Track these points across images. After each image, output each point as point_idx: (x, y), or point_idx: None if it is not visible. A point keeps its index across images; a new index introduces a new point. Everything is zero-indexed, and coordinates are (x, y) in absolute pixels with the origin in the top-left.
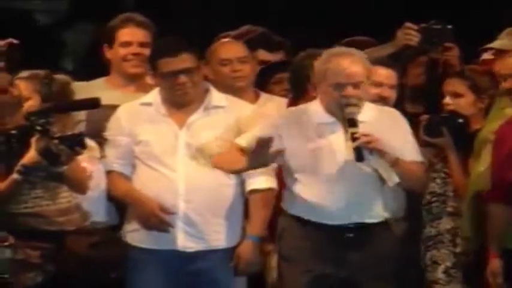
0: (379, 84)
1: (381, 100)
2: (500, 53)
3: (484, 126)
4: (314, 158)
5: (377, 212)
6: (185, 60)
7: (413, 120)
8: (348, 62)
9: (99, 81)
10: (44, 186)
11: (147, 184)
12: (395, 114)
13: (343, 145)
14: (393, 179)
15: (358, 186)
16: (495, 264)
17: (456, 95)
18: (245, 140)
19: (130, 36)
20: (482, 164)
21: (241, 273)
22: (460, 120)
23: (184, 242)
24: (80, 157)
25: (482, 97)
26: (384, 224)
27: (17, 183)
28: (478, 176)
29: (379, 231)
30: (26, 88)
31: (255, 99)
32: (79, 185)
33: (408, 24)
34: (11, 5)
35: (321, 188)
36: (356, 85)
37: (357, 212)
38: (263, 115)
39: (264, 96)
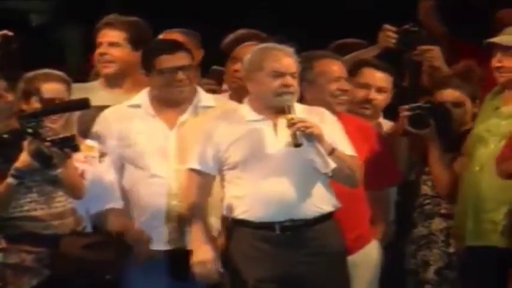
0: (365, 86)
1: (366, 102)
2: (502, 48)
3: (477, 125)
4: (245, 155)
5: (304, 210)
6: (182, 58)
7: None
8: (283, 53)
9: (95, 83)
10: (40, 190)
11: (139, 185)
12: (325, 112)
13: (274, 141)
14: (330, 165)
15: (291, 182)
16: None
17: (457, 105)
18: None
19: (102, 37)
20: (478, 163)
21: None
22: (443, 110)
23: (177, 241)
24: (75, 157)
25: (476, 102)
26: (323, 218)
27: (12, 187)
28: (473, 175)
29: (309, 229)
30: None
31: None
32: (74, 189)
33: (386, 26)
34: (5, 5)
35: (253, 185)
36: (293, 75)
37: (291, 207)
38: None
39: None
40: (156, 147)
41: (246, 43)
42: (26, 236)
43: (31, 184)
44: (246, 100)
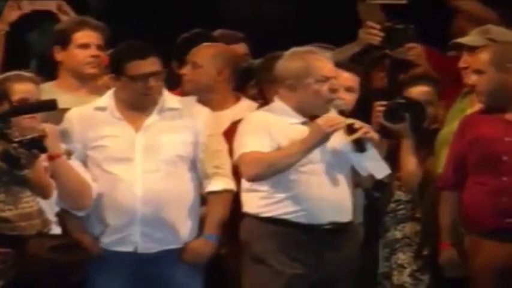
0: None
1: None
2: (469, 49)
3: (444, 127)
4: None
5: (347, 212)
6: (154, 64)
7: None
8: (324, 58)
9: (47, 86)
10: (7, 191)
11: (104, 188)
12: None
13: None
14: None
15: (335, 186)
16: (449, 253)
17: (427, 102)
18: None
19: (88, 38)
20: (441, 166)
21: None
22: (417, 106)
23: (143, 244)
24: (42, 157)
25: (440, 102)
26: (351, 224)
27: None
28: (437, 177)
29: (348, 231)
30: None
31: (234, 102)
32: (42, 189)
33: (369, 23)
34: None
35: (300, 187)
36: (335, 79)
37: (332, 211)
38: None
39: (244, 100)
40: (123, 150)
41: (199, 46)
42: None
43: None
44: (278, 100)
